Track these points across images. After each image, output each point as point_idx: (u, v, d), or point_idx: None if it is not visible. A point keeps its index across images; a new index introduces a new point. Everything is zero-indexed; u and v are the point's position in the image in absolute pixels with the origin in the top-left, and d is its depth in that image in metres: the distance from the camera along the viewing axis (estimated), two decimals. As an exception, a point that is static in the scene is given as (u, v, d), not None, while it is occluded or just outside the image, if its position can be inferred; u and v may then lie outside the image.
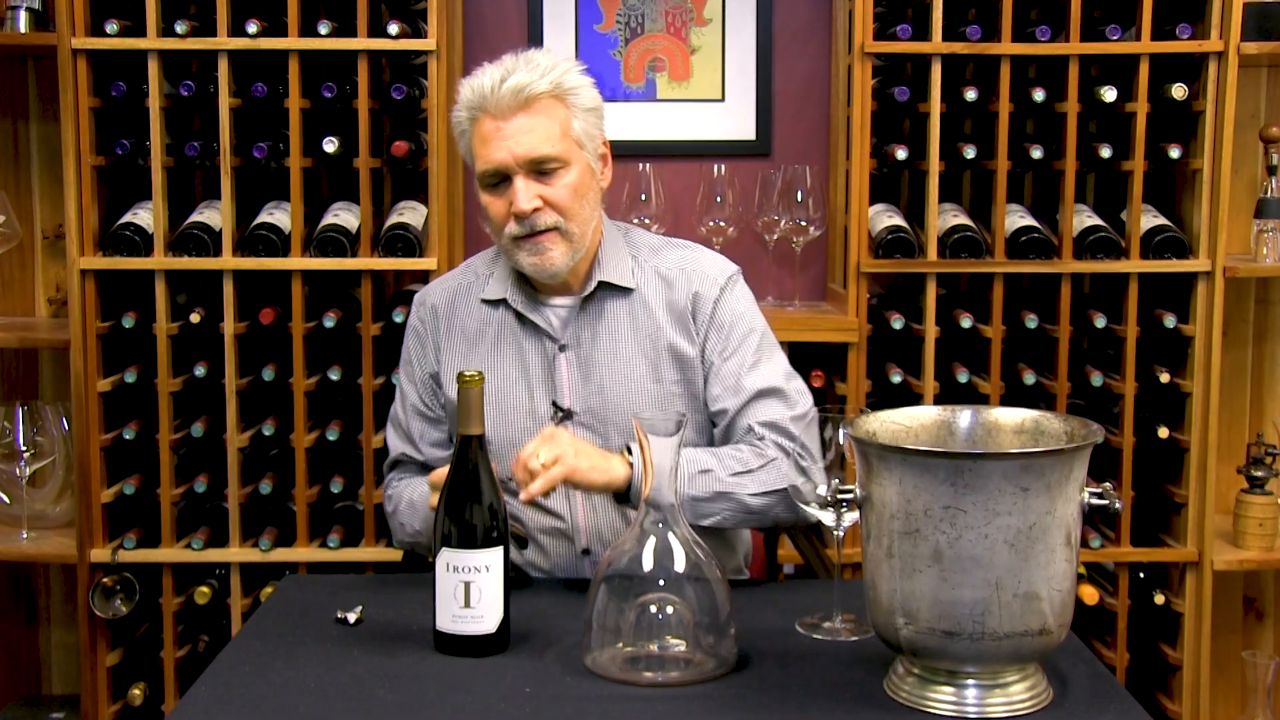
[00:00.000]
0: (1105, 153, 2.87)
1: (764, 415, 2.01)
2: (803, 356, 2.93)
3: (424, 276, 2.85)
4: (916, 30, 2.87)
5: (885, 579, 1.51)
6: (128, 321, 2.88)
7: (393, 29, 2.80)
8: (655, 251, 2.10)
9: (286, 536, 2.96)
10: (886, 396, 2.92)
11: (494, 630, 1.68)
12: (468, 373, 1.70)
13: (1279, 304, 3.22)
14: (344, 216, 2.90)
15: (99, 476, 2.91)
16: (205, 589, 2.95)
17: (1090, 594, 2.93)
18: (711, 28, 3.20)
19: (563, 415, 2.03)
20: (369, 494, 2.92)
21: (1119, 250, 2.91)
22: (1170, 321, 2.92)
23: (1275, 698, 2.92)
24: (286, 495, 2.95)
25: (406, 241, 2.85)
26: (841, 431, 1.71)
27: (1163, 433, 2.93)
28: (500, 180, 1.96)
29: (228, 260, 2.86)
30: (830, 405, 1.91)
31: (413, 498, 2.09)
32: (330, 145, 2.85)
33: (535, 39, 3.17)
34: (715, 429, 2.07)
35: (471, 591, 1.66)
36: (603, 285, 2.05)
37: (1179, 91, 2.85)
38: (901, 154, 2.90)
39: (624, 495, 1.90)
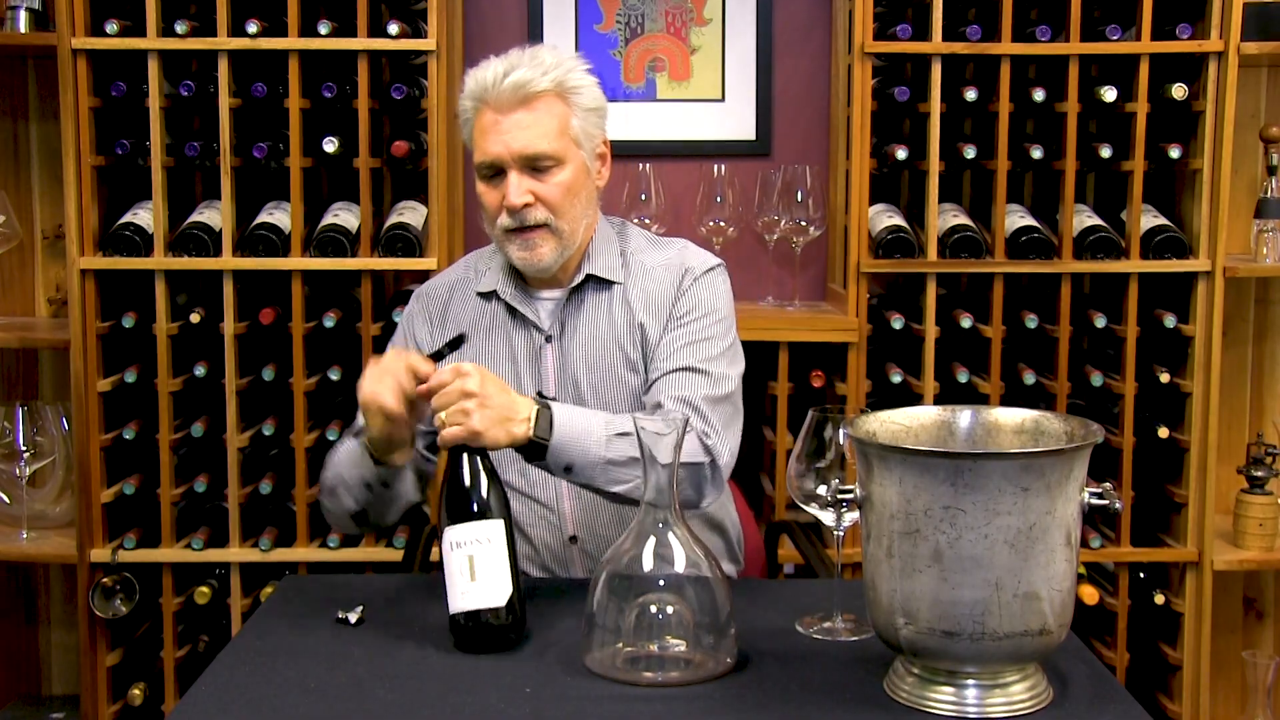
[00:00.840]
0: (1105, 153, 2.87)
1: (680, 390, 1.99)
2: (803, 356, 2.94)
3: (424, 276, 2.84)
4: (916, 30, 2.87)
5: (885, 579, 1.50)
6: (128, 321, 2.88)
7: (393, 29, 2.80)
8: (645, 247, 2.13)
9: (286, 536, 2.96)
10: (886, 396, 2.92)
11: (504, 604, 1.68)
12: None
13: (1279, 304, 3.22)
14: (344, 216, 2.90)
15: (99, 476, 2.91)
16: (205, 589, 2.95)
17: (1090, 594, 2.93)
18: (711, 28, 3.20)
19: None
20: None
21: (1119, 250, 2.91)
22: (1170, 321, 2.92)
23: (1275, 698, 2.92)
24: (286, 495, 2.95)
25: (406, 241, 2.85)
26: (841, 431, 1.72)
27: (1163, 433, 2.93)
28: (496, 173, 1.99)
29: (228, 260, 2.86)
30: (830, 405, 1.91)
31: (348, 449, 2.01)
32: (330, 145, 2.85)
33: (535, 39, 3.17)
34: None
35: (476, 564, 1.68)
36: (590, 278, 2.07)
37: (1179, 91, 2.85)
38: (901, 154, 2.90)
39: (533, 450, 1.83)
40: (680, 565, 1.62)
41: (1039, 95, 2.86)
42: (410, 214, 2.91)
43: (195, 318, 2.88)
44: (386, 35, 2.81)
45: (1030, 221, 2.94)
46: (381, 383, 1.82)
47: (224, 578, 2.98)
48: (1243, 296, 3.20)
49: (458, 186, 3.06)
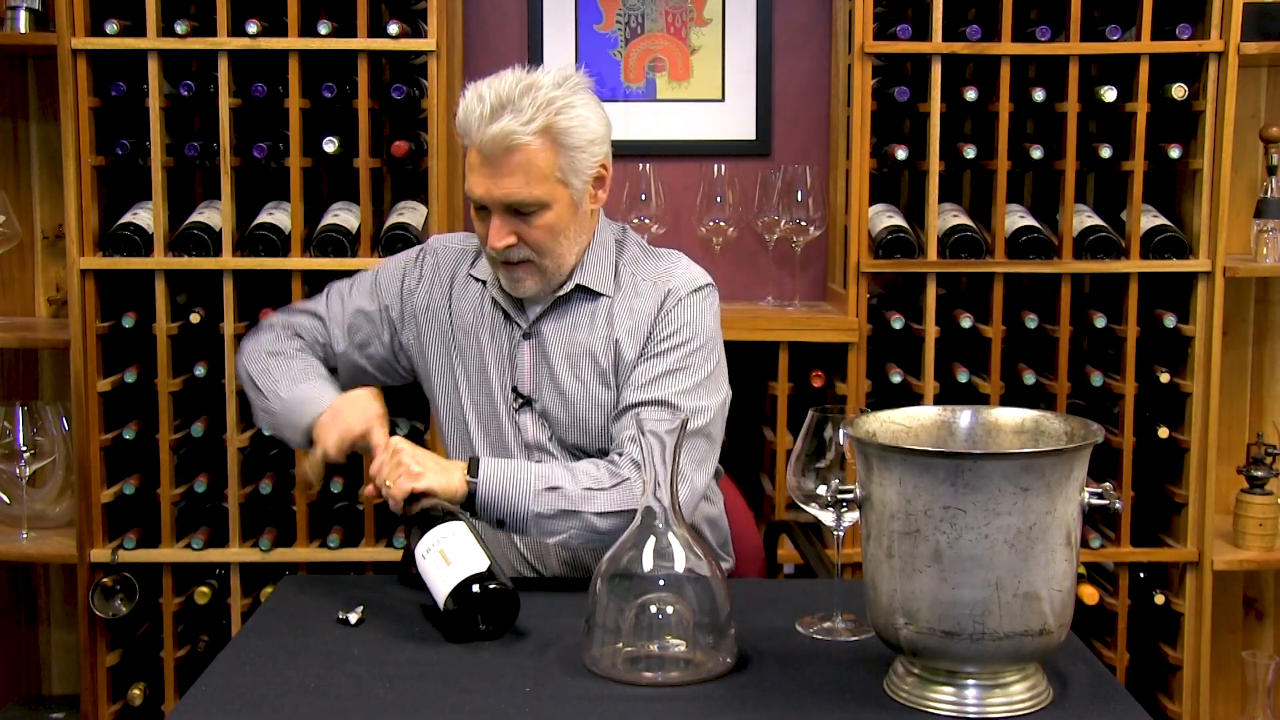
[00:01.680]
0: (1105, 153, 2.87)
1: (644, 427, 1.92)
2: (803, 356, 2.94)
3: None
4: (916, 30, 2.87)
5: (885, 579, 1.51)
6: (128, 321, 2.88)
7: (393, 29, 2.80)
8: (638, 260, 2.10)
9: (286, 536, 2.96)
10: (886, 396, 2.92)
11: (486, 568, 1.74)
12: None
13: (1279, 304, 3.22)
14: (344, 216, 2.90)
15: (99, 476, 2.91)
16: (205, 589, 2.95)
17: (1090, 594, 2.93)
18: (711, 28, 3.20)
19: (522, 402, 2.08)
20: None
21: (1119, 250, 2.91)
22: (1170, 321, 2.92)
23: (1275, 698, 2.92)
24: (286, 495, 2.95)
25: (406, 241, 2.85)
26: (841, 431, 1.71)
27: (1163, 433, 2.93)
28: (483, 206, 1.99)
29: (228, 260, 2.86)
30: (830, 405, 1.91)
31: (301, 368, 2.11)
32: (330, 145, 2.85)
33: (535, 39, 3.17)
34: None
35: (449, 552, 1.76)
36: (579, 287, 2.06)
37: (1179, 91, 2.85)
38: (901, 154, 2.90)
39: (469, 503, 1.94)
40: (680, 565, 1.62)
41: (1039, 95, 2.86)
42: (410, 214, 2.91)
43: (195, 318, 2.88)
44: (386, 35, 2.81)
45: (1030, 221, 2.94)
46: (336, 427, 1.97)
47: (224, 578, 2.98)
48: (1243, 296, 3.20)
49: (458, 187, 3.05)
